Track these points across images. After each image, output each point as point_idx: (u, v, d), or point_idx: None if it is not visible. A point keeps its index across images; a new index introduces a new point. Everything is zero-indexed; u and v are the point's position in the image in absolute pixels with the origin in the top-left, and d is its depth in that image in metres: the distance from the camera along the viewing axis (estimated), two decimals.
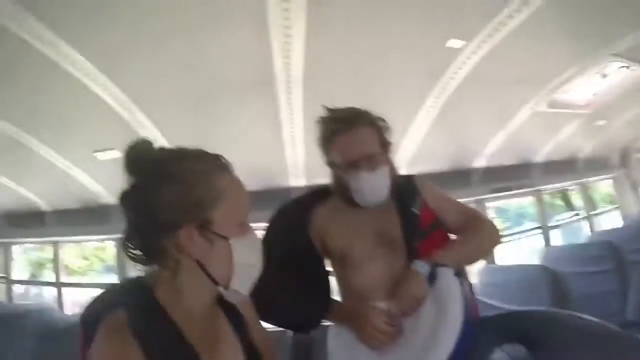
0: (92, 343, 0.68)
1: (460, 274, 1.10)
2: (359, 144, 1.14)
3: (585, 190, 4.98)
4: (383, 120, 1.20)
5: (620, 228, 3.56)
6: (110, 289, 0.79)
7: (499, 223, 4.49)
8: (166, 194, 0.69)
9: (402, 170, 1.31)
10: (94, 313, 0.72)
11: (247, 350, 0.85)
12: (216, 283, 0.73)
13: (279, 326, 1.24)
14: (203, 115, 2.38)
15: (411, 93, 2.50)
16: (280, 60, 1.99)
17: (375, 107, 1.20)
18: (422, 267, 1.11)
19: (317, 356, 1.83)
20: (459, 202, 1.34)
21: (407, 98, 2.52)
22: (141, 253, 0.72)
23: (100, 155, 2.67)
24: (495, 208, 3.98)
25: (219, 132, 2.47)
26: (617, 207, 5.42)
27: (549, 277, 1.95)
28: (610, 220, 5.26)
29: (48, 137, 2.67)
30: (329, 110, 1.19)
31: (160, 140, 2.46)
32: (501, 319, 1.03)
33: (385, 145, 1.19)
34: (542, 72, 2.70)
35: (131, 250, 0.72)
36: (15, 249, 4.64)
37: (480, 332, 1.00)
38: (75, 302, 4.31)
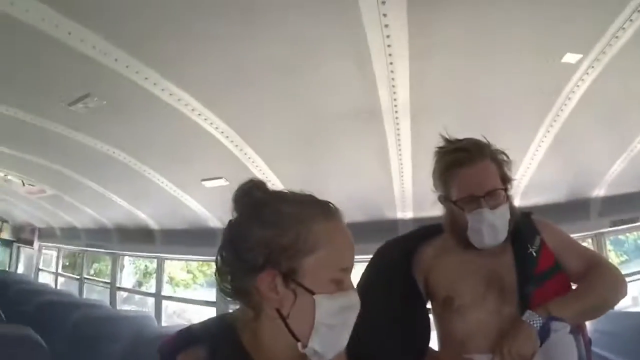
0: None
1: (578, 331, 0.95)
2: (483, 180, 1.05)
3: None
4: (504, 154, 1.09)
5: None
6: (195, 324, 0.75)
7: (614, 257, 3.95)
8: (256, 234, 0.66)
9: (516, 202, 1.17)
10: (174, 346, 0.70)
11: None
12: (296, 338, 0.67)
13: None
14: (309, 148, 2.42)
15: (525, 118, 2.30)
16: (385, 90, 1.95)
17: (486, 136, 1.10)
18: (533, 319, 0.99)
19: None
20: (582, 246, 1.19)
21: (520, 123, 2.32)
22: (229, 287, 0.70)
23: (208, 184, 2.86)
24: (611, 239, 3.50)
25: (325, 165, 2.51)
26: None
27: None
28: None
29: (160, 166, 2.96)
30: (448, 140, 1.11)
31: (267, 173, 2.61)
32: None
33: (505, 181, 1.09)
34: None
35: (222, 282, 0.71)
36: (126, 259, 5.22)
37: None
38: (176, 311, 4.67)
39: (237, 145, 2.41)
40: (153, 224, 4.02)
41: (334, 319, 0.68)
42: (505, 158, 1.10)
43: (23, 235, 7.58)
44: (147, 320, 2.97)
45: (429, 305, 1.23)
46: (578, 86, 2.09)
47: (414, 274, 1.19)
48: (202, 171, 2.83)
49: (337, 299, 0.69)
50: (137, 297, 5.39)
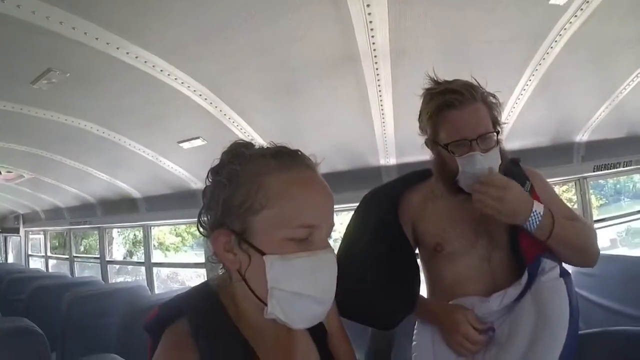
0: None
1: (568, 274, 0.95)
2: (475, 122, 1.00)
3: None
4: (494, 97, 1.05)
5: None
6: (177, 296, 0.72)
7: (594, 200, 4.04)
8: (214, 195, 0.65)
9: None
10: (159, 322, 0.68)
11: None
12: (263, 302, 0.63)
13: (360, 323, 1.16)
14: (286, 99, 2.32)
15: (510, 61, 2.22)
16: (363, 35, 1.85)
17: (470, 79, 1.05)
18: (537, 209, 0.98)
19: (397, 352, 1.77)
20: (564, 203, 1.19)
21: (505, 67, 2.25)
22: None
23: (185, 145, 2.78)
24: (591, 183, 3.57)
25: (304, 115, 2.42)
26: None
27: None
28: None
29: (134, 133, 2.86)
30: (436, 82, 1.05)
31: (245, 129, 2.52)
32: (608, 339, 0.88)
33: (496, 125, 1.05)
34: None
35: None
36: (114, 231, 5.21)
37: (584, 351, 0.86)
38: (169, 275, 4.73)
39: (211, 103, 2.31)
40: (135, 193, 3.96)
41: (290, 282, 0.62)
42: (495, 101, 1.06)
43: (7, 224, 7.51)
44: (140, 291, 2.97)
45: (417, 251, 1.23)
46: (565, 29, 2.01)
47: (401, 221, 1.16)
48: (178, 133, 2.73)
49: (293, 260, 0.62)
50: (129, 267, 5.42)
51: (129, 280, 4.81)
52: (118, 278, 5.12)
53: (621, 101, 2.86)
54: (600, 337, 0.89)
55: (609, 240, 3.88)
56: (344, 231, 1.22)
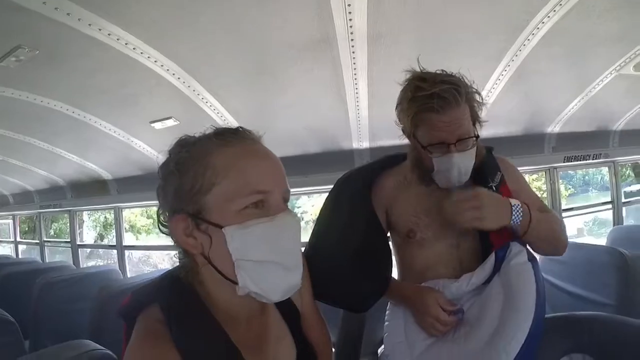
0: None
1: (535, 259, 0.98)
2: (455, 127, 1.00)
3: None
4: (478, 93, 1.06)
5: None
6: (151, 281, 0.73)
7: (563, 190, 4.18)
8: (166, 186, 0.66)
9: None
10: (132, 308, 0.68)
11: (298, 344, 0.78)
12: (232, 281, 0.63)
13: (334, 306, 1.17)
14: (261, 81, 2.27)
15: (487, 50, 2.23)
16: (340, 17, 1.82)
17: (446, 66, 1.04)
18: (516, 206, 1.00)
19: (368, 333, 1.80)
20: (536, 195, 1.21)
21: (481, 56, 2.26)
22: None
23: (157, 125, 2.69)
24: (561, 174, 3.69)
25: (279, 97, 2.37)
26: None
27: (620, 263, 1.79)
28: None
29: (105, 112, 2.74)
30: (421, 77, 1.02)
31: (219, 109, 2.46)
32: (572, 323, 0.91)
33: (476, 122, 1.06)
34: (635, 29, 2.31)
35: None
36: (85, 214, 5.06)
37: (549, 334, 0.89)
38: (142, 258, 4.65)
39: (184, 82, 2.24)
40: (106, 174, 3.84)
41: (255, 251, 0.61)
42: (479, 99, 1.06)
43: None
44: (113, 274, 2.92)
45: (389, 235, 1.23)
46: (544, 23, 2.03)
47: (374, 205, 1.17)
48: (150, 113, 2.64)
49: (252, 227, 0.62)
50: (101, 250, 5.30)
51: (101, 264, 4.71)
52: (89, 262, 5.00)
53: (593, 96, 2.94)
54: (566, 320, 0.91)
55: (576, 229, 4.06)
56: (318, 213, 1.22)
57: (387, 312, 1.18)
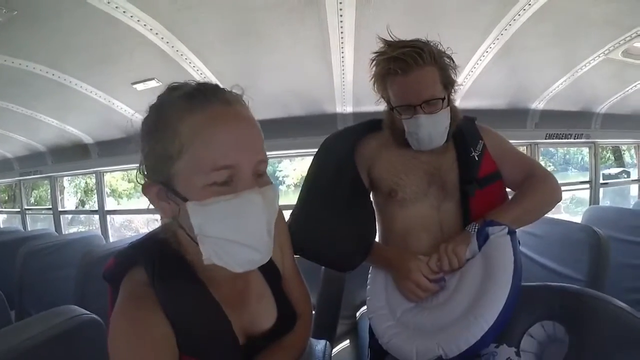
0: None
1: (514, 231, 0.99)
2: (420, 88, 1.02)
3: None
4: (449, 57, 1.05)
5: None
6: (131, 244, 0.72)
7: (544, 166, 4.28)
8: (142, 147, 0.65)
9: (457, 104, 1.16)
10: (116, 270, 0.67)
11: (279, 303, 0.80)
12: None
13: (317, 263, 1.20)
14: (245, 41, 2.21)
15: (476, 22, 2.21)
16: None
17: (433, 36, 1.05)
18: (472, 227, 1.04)
19: (347, 295, 1.84)
20: (520, 153, 1.22)
21: (470, 27, 2.24)
22: None
23: (139, 86, 2.62)
24: (542, 150, 3.77)
25: (263, 59, 2.32)
26: None
27: (594, 241, 1.82)
28: None
29: (85, 74, 2.65)
30: (388, 44, 1.05)
31: (202, 70, 2.40)
32: (545, 293, 0.93)
33: (448, 85, 1.06)
34: (627, 15, 2.31)
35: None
36: (65, 180, 4.96)
37: (524, 302, 0.92)
38: (124, 223, 4.61)
39: (167, 42, 2.17)
40: (87, 138, 3.74)
41: (217, 228, 0.59)
42: (449, 61, 1.06)
43: None
44: (95, 240, 2.87)
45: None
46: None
47: (358, 165, 1.18)
48: (132, 74, 2.56)
49: (212, 206, 0.59)
50: (82, 216, 5.22)
51: (83, 230, 4.66)
52: (71, 229, 4.94)
53: (580, 77, 2.97)
54: (539, 290, 0.94)
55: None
56: (306, 173, 1.24)
57: (369, 275, 1.20)
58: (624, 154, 5.55)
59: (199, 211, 0.60)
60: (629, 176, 5.00)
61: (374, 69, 1.09)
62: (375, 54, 1.08)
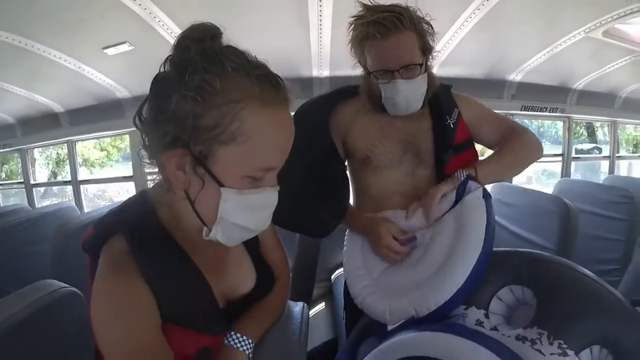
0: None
1: (489, 196, 1.01)
2: (398, 53, 1.01)
3: (614, 130, 4.70)
4: (427, 23, 1.05)
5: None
6: (111, 211, 0.69)
7: None
8: (175, 104, 0.56)
9: (435, 70, 1.16)
10: (95, 240, 0.65)
11: (258, 268, 0.81)
12: (203, 222, 0.64)
13: (293, 231, 1.21)
14: (222, 3, 2.13)
15: None
16: None
17: (413, 2, 1.04)
18: (461, 173, 1.06)
19: (323, 261, 1.88)
20: (498, 115, 1.24)
21: None
22: (148, 146, 0.63)
23: (110, 51, 2.50)
24: (518, 121, 3.85)
25: (238, 20, 2.22)
26: None
27: (563, 212, 1.91)
28: (630, 167, 5.18)
29: (53, 39, 2.50)
30: (366, 8, 1.04)
31: (176, 32, 2.29)
32: (514, 258, 0.95)
33: (426, 51, 1.06)
34: None
35: (142, 138, 0.63)
36: (36, 152, 4.76)
37: (493, 266, 0.94)
38: (97, 193, 4.50)
39: (140, 4, 2.07)
40: (57, 107, 3.57)
41: (239, 216, 0.62)
42: (427, 27, 1.04)
43: None
44: (70, 211, 2.80)
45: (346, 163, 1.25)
46: None
47: (332, 133, 1.18)
48: (103, 38, 2.43)
49: (247, 196, 0.61)
50: (55, 188, 5.07)
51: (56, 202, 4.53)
52: (44, 202, 4.79)
53: (559, 53, 3.00)
54: (509, 255, 0.96)
55: (526, 177, 4.30)
56: None
57: (345, 237, 1.22)
58: (597, 130, 5.71)
59: (232, 198, 0.61)
60: (600, 152, 5.16)
61: (351, 33, 1.07)
62: (354, 18, 1.06)
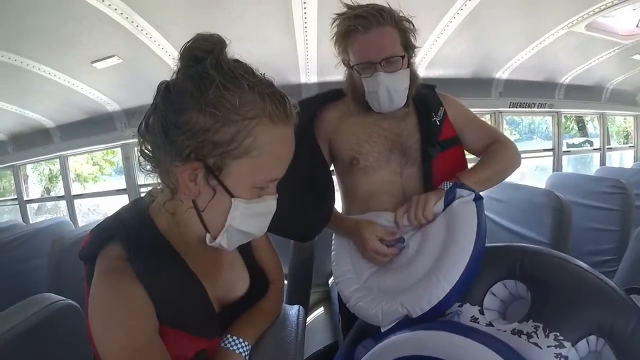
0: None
1: (480, 198, 1.02)
2: (379, 45, 1.04)
3: (603, 122, 4.75)
4: (408, 21, 1.08)
5: (631, 169, 3.45)
6: (107, 218, 0.71)
7: (508, 135, 4.40)
8: (191, 118, 0.59)
9: (420, 72, 1.19)
10: (91, 247, 0.66)
11: (252, 272, 0.83)
12: (207, 230, 0.66)
13: (278, 235, 1.21)
14: (206, 13, 2.14)
15: None
16: None
17: (395, 5, 1.07)
18: (445, 185, 1.07)
19: (319, 265, 1.89)
20: (482, 121, 1.27)
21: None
22: (151, 155, 0.64)
23: (99, 65, 2.50)
24: (507, 119, 3.88)
25: (225, 30, 2.21)
26: (631, 146, 5.23)
27: (556, 205, 1.92)
28: (621, 158, 5.21)
29: (42, 55, 2.50)
30: (348, 6, 1.07)
31: (163, 44, 2.31)
32: (507, 253, 0.95)
33: (408, 49, 1.09)
34: None
35: (143, 148, 0.64)
36: (29, 169, 4.72)
37: (486, 262, 0.94)
38: (91, 208, 4.47)
39: (127, 17, 2.07)
40: (48, 122, 3.55)
41: (245, 223, 0.65)
42: (408, 25, 1.07)
43: None
44: (64, 226, 2.77)
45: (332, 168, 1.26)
46: None
47: (317, 136, 1.18)
48: (91, 52, 2.44)
49: (254, 205, 0.65)
50: (49, 204, 5.04)
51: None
52: (38, 218, 4.76)
53: (544, 48, 3.04)
54: (501, 250, 0.96)
55: (519, 173, 4.32)
56: None
57: (332, 241, 1.22)
58: (587, 124, 5.76)
59: (242, 208, 0.64)
60: (592, 145, 5.19)
61: (335, 29, 1.10)
62: (336, 15, 1.09)
